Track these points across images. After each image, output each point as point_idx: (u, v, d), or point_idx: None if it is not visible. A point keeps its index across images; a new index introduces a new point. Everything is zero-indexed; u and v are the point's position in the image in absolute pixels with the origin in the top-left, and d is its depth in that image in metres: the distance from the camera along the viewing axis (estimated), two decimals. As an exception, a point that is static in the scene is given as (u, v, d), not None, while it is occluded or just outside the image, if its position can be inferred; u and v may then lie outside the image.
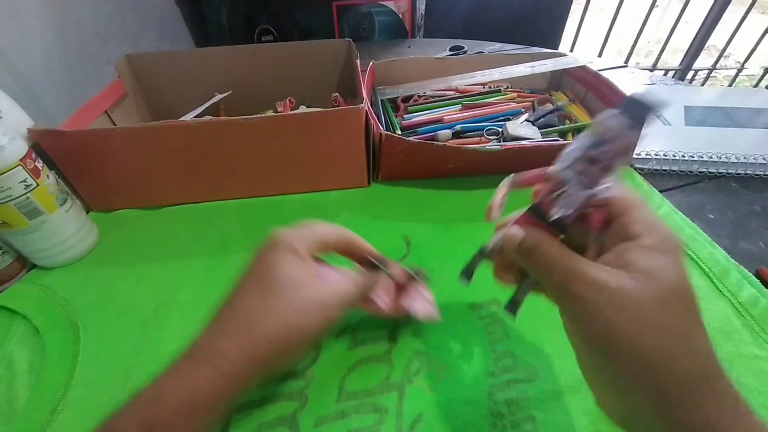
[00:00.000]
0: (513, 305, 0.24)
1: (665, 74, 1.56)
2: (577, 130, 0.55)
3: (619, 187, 0.20)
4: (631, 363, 0.17)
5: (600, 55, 1.56)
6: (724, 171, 0.51)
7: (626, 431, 0.20)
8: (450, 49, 0.83)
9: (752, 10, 1.40)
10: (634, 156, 0.52)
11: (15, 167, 0.34)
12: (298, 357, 0.26)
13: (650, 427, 0.18)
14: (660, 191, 0.47)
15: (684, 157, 0.52)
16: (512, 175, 0.26)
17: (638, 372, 0.17)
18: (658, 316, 0.17)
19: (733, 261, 0.38)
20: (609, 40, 1.52)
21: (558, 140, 0.51)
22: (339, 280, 0.26)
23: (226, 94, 0.59)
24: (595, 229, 0.21)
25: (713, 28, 1.43)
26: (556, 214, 0.20)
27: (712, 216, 0.46)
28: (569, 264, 0.19)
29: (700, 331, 0.18)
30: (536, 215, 0.22)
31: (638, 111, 0.19)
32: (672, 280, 0.18)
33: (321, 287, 0.24)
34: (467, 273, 0.26)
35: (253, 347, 0.22)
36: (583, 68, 0.60)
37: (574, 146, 0.20)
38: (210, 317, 0.24)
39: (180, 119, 0.46)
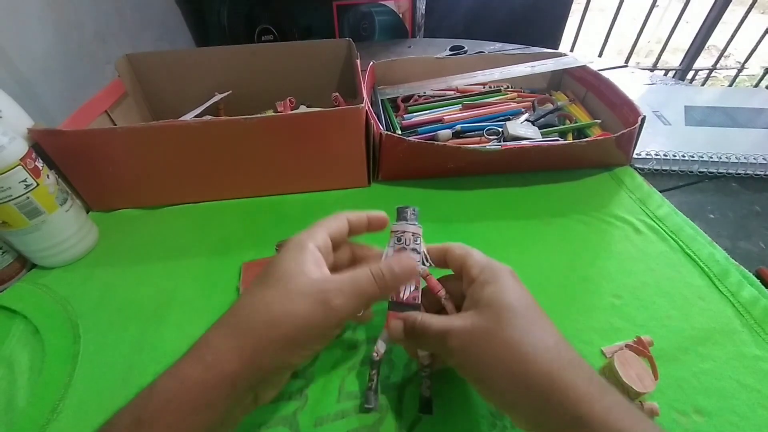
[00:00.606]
0: (425, 406, 0.28)
1: (665, 74, 1.56)
2: (578, 130, 0.55)
3: (455, 246, 0.28)
4: (504, 380, 0.21)
5: (600, 55, 1.56)
6: (724, 171, 0.51)
7: None
8: (450, 49, 0.83)
9: (752, 10, 1.40)
10: (635, 156, 0.52)
11: (15, 167, 0.34)
12: (302, 351, 0.23)
13: (548, 425, 0.21)
14: (660, 191, 0.47)
15: (684, 157, 0.52)
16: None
17: (513, 384, 0.21)
18: (506, 337, 0.22)
19: (733, 261, 0.38)
20: (609, 40, 1.52)
21: (558, 140, 0.51)
22: (353, 271, 0.25)
23: (226, 94, 0.59)
24: (437, 293, 0.27)
25: (713, 28, 1.43)
26: (402, 295, 0.27)
27: (712, 216, 0.46)
28: (439, 326, 0.24)
29: (545, 329, 0.23)
30: (396, 308, 0.27)
31: (403, 213, 0.30)
32: (506, 298, 0.23)
33: (318, 275, 0.24)
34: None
35: (241, 338, 0.21)
36: (584, 68, 0.60)
37: (387, 250, 0.29)
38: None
39: (180, 119, 0.46)
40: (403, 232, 0.29)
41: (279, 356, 0.22)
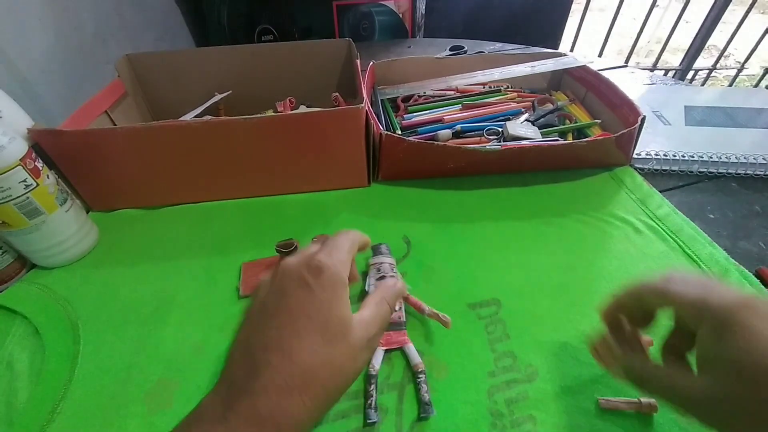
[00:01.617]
0: (425, 407, 0.28)
1: (665, 74, 1.56)
2: (578, 130, 0.55)
3: (646, 285, 0.23)
4: None
5: (600, 55, 1.56)
6: (724, 171, 0.51)
7: None
8: (450, 49, 0.83)
9: (752, 10, 1.40)
10: (635, 156, 0.52)
11: (15, 167, 0.34)
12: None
13: None
14: (660, 191, 0.47)
15: (684, 157, 0.52)
16: None
17: None
18: (735, 408, 0.17)
19: (733, 261, 0.38)
20: (609, 40, 1.52)
21: (558, 140, 0.51)
22: (375, 307, 0.23)
23: (226, 94, 0.59)
24: (420, 310, 0.33)
25: (713, 28, 1.43)
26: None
27: (712, 216, 0.46)
28: (677, 387, 0.20)
29: None
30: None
31: (378, 248, 0.37)
32: (752, 356, 0.17)
33: (364, 321, 0.22)
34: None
35: (320, 405, 0.19)
36: (584, 68, 0.60)
37: (369, 280, 0.35)
38: (250, 359, 0.20)
39: (180, 119, 0.46)
40: (381, 263, 0.35)
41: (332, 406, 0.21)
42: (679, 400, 0.19)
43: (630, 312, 0.25)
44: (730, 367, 0.17)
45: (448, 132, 0.53)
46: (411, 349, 0.31)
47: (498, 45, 0.88)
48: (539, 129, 0.53)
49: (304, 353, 0.19)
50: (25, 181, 0.35)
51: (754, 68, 1.60)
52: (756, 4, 1.40)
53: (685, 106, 0.63)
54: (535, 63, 0.62)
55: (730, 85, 1.65)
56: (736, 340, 0.17)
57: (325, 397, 0.19)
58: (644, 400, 0.27)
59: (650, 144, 0.54)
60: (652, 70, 1.53)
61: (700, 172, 0.52)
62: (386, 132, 0.45)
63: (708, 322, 0.19)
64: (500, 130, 0.52)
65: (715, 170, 0.51)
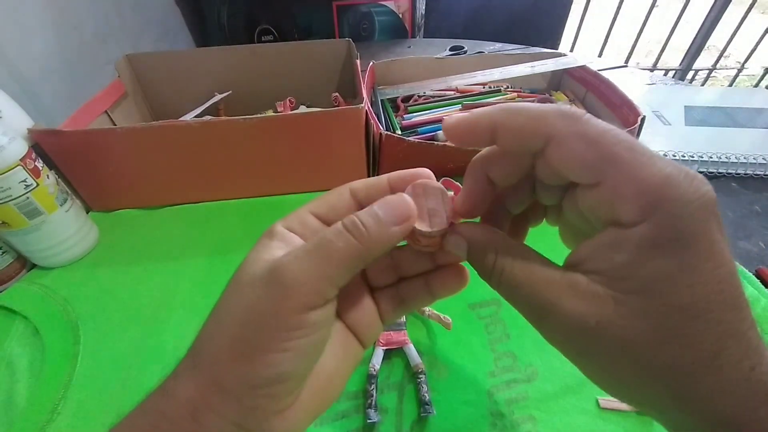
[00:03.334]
0: (425, 407, 0.27)
1: (665, 74, 1.56)
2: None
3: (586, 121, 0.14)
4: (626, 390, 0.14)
5: (600, 55, 1.56)
6: (724, 171, 0.51)
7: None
8: (450, 49, 0.83)
9: (752, 10, 1.40)
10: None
11: (15, 167, 0.34)
12: (265, 356, 0.15)
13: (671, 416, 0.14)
14: (660, 191, 0.47)
15: (684, 157, 0.52)
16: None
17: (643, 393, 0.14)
18: (652, 357, 0.13)
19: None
20: (609, 40, 1.52)
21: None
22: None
23: (226, 94, 0.59)
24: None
25: (713, 28, 1.43)
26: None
27: (712, 216, 0.46)
28: (538, 291, 0.15)
29: (730, 347, 0.12)
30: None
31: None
32: (680, 295, 0.12)
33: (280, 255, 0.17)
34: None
35: (193, 357, 0.17)
36: (583, 68, 0.60)
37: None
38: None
39: (180, 119, 0.46)
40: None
41: (236, 369, 0.15)
42: (554, 315, 0.14)
43: (502, 164, 0.17)
44: (679, 296, 0.12)
45: (448, 132, 0.53)
46: (411, 349, 0.31)
47: (498, 45, 0.88)
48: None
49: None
50: (25, 181, 0.35)
51: (754, 68, 1.59)
52: (756, 4, 1.40)
53: (685, 106, 0.63)
54: (535, 63, 0.62)
55: (730, 85, 1.65)
56: (699, 262, 0.12)
57: (207, 353, 0.16)
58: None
59: (650, 144, 0.54)
60: (652, 70, 1.53)
61: (699, 172, 0.51)
62: (386, 132, 0.45)
63: (657, 223, 0.12)
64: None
65: (715, 170, 0.51)
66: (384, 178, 0.20)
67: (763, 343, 0.13)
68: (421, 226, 0.17)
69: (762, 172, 0.51)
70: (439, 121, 0.56)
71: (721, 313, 0.12)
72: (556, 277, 0.15)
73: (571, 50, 1.53)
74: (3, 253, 0.38)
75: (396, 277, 0.20)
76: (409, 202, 0.17)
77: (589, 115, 0.15)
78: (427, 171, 0.19)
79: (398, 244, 0.18)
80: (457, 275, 0.20)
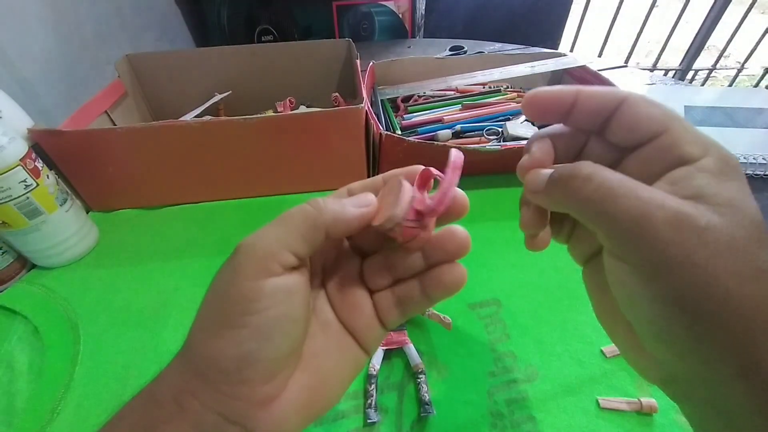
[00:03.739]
0: (425, 407, 0.27)
1: (665, 74, 1.56)
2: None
3: (642, 99, 0.17)
4: (725, 318, 0.13)
5: (600, 55, 1.56)
6: (724, 171, 0.51)
7: (675, 392, 0.17)
8: (450, 49, 0.83)
9: (752, 10, 1.40)
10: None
11: (15, 167, 0.34)
12: (231, 332, 0.15)
13: (719, 390, 0.14)
14: (660, 191, 0.47)
15: (684, 157, 0.52)
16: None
17: (732, 328, 0.13)
18: (754, 258, 0.14)
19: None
20: (609, 40, 1.52)
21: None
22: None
23: (226, 94, 0.59)
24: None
25: (713, 28, 1.43)
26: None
27: (712, 216, 0.46)
28: (636, 194, 0.14)
29: None
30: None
31: None
32: (752, 211, 0.14)
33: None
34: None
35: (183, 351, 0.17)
36: (583, 68, 0.60)
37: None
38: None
39: (180, 119, 0.46)
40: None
41: (206, 350, 0.15)
42: (660, 223, 0.14)
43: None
44: (750, 210, 0.14)
45: (448, 132, 0.53)
46: (411, 349, 0.31)
47: (498, 45, 0.88)
48: (539, 129, 0.53)
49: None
50: (25, 181, 0.35)
51: (754, 68, 1.59)
52: (756, 4, 1.40)
53: (685, 106, 0.63)
54: (535, 63, 0.62)
55: (730, 85, 1.65)
56: (747, 190, 0.15)
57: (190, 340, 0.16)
58: (644, 400, 0.27)
59: (650, 144, 0.54)
60: (652, 70, 1.53)
61: (700, 172, 0.52)
62: (386, 132, 0.45)
63: (717, 157, 0.15)
64: (500, 130, 0.52)
65: (715, 170, 0.51)
66: (380, 177, 0.21)
67: None
68: (378, 220, 0.18)
69: (762, 172, 0.51)
70: (439, 121, 0.56)
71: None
72: (653, 189, 0.15)
73: (571, 50, 1.53)
74: (3, 253, 0.38)
75: (391, 278, 0.20)
76: (369, 195, 0.19)
77: None
78: (419, 167, 0.20)
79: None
80: (450, 273, 0.19)
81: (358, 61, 0.54)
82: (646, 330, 0.16)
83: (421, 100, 0.63)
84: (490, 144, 0.50)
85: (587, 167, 0.16)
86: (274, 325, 0.16)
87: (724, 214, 0.14)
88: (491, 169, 0.50)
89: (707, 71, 1.63)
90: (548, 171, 0.18)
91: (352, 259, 0.21)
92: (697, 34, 1.48)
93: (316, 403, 0.18)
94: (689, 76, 1.59)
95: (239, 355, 0.15)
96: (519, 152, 0.47)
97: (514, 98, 0.61)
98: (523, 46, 0.87)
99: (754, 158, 0.51)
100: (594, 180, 0.15)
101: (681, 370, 0.16)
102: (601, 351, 0.31)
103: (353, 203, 0.18)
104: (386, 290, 0.20)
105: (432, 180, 0.20)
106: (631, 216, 0.14)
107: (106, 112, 0.50)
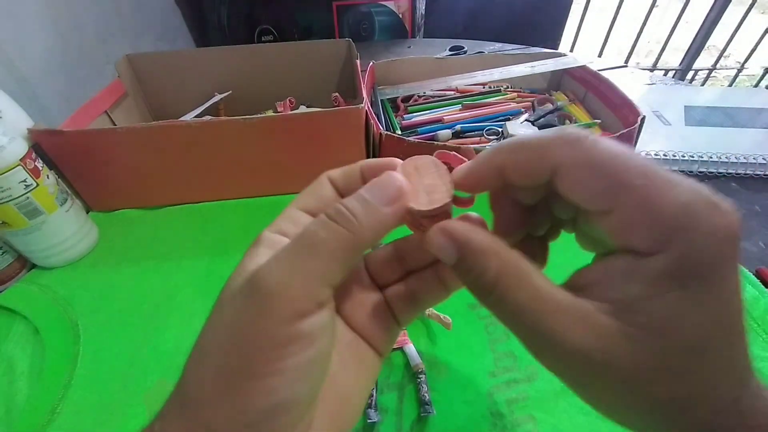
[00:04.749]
0: (425, 407, 0.27)
1: (665, 74, 1.56)
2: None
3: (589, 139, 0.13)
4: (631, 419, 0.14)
5: (600, 55, 1.56)
6: (724, 171, 0.51)
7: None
8: (450, 49, 0.83)
9: (752, 10, 1.40)
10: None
11: (15, 167, 0.34)
12: (257, 383, 0.13)
13: None
14: (660, 191, 0.47)
15: (684, 157, 0.52)
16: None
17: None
18: (656, 390, 0.12)
19: (733, 261, 0.38)
20: (609, 40, 1.52)
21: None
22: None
23: (226, 94, 0.59)
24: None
25: (713, 28, 1.43)
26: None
27: (712, 216, 0.46)
28: (542, 321, 0.13)
29: (727, 376, 0.12)
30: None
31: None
32: (691, 332, 0.12)
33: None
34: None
35: (178, 395, 0.15)
36: (583, 68, 0.60)
37: None
38: None
39: (180, 119, 0.46)
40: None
41: (225, 406, 0.13)
42: (559, 347, 0.13)
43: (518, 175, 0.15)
44: (688, 335, 0.12)
45: (448, 132, 0.53)
46: (411, 349, 0.31)
47: (498, 45, 0.88)
48: (539, 129, 0.53)
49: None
50: (25, 181, 0.35)
51: (754, 68, 1.59)
52: (756, 4, 1.40)
53: (685, 106, 0.63)
54: (535, 63, 0.62)
55: (730, 85, 1.65)
56: (712, 300, 0.12)
57: (188, 385, 0.15)
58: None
59: (650, 144, 0.54)
60: (652, 70, 1.53)
61: (700, 172, 0.52)
62: (386, 132, 0.45)
63: (675, 256, 0.12)
64: (500, 130, 0.52)
65: (715, 170, 0.51)
66: (357, 166, 0.18)
67: (751, 369, 0.13)
68: (419, 206, 0.15)
69: (762, 172, 0.51)
70: (439, 121, 0.56)
71: (720, 350, 0.12)
72: (564, 304, 0.13)
73: (571, 50, 1.53)
74: (3, 253, 0.38)
75: (403, 271, 0.18)
76: (398, 178, 0.15)
77: (595, 137, 0.13)
78: (397, 160, 0.17)
79: (396, 233, 0.17)
80: None
81: (358, 61, 0.54)
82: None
83: (421, 100, 0.63)
84: (490, 144, 0.50)
85: (492, 265, 0.13)
86: (310, 366, 0.14)
87: (636, 340, 0.12)
88: (491, 169, 0.50)
89: (707, 71, 1.63)
90: (452, 252, 0.14)
91: None
92: (697, 34, 1.48)
93: (343, 426, 0.16)
94: (689, 76, 1.59)
95: (270, 406, 0.13)
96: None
97: (514, 98, 0.61)
98: (523, 46, 0.87)
99: (754, 158, 0.51)
100: (501, 291, 0.14)
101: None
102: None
103: (381, 200, 0.15)
104: (398, 284, 0.18)
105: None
106: (535, 340, 0.14)
107: (106, 112, 0.50)
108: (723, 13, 1.39)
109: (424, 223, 0.16)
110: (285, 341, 0.13)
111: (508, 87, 0.65)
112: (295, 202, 0.18)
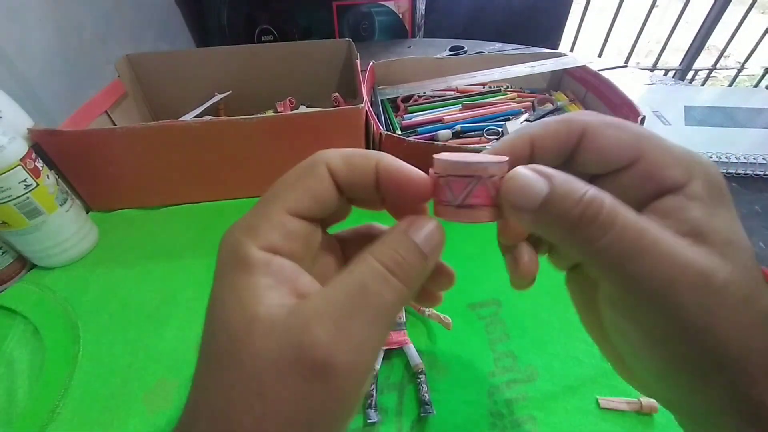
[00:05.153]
0: (425, 407, 0.27)
1: (665, 74, 1.56)
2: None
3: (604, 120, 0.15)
4: (735, 372, 0.12)
5: (600, 55, 1.56)
6: (724, 171, 0.51)
7: (664, 404, 0.16)
8: (450, 49, 0.83)
9: (752, 10, 1.40)
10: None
11: (15, 167, 0.34)
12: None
13: (717, 420, 0.13)
14: (660, 191, 0.47)
15: (684, 157, 0.52)
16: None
17: (740, 380, 0.12)
18: (759, 305, 0.12)
19: (733, 261, 0.38)
20: (609, 40, 1.52)
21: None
22: (344, 273, 0.14)
23: (226, 94, 0.59)
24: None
25: (713, 28, 1.43)
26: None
27: (712, 216, 0.46)
28: (660, 250, 0.12)
29: None
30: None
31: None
32: (746, 244, 0.13)
33: (281, 308, 0.13)
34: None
35: None
36: (583, 68, 0.60)
37: None
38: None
39: (180, 119, 0.46)
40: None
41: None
42: (680, 280, 0.12)
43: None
44: (746, 243, 0.13)
45: (448, 132, 0.53)
46: (411, 349, 0.31)
47: (498, 45, 0.88)
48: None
49: (196, 410, 0.14)
50: (25, 181, 0.35)
51: (754, 68, 1.59)
52: (756, 4, 1.40)
53: (685, 106, 0.63)
54: (535, 63, 0.62)
55: (730, 85, 1.65)
56: (733, 215, 0.14)
57: None
58: (644, 400, 0.27)
59: (650, 144, 0.54)
60: (652, 70, 1.53)
61: (700, 172, 0.52)
62: (386, 132, 0.45)
63: (703, 180, 0.14)
64: (500, 130, 0.52)
65: (715, 170, 0.51)
66: (370, 160, 0.16)
67: None
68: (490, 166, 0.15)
69: (762, 172, 0.51)
70: (439, 121, 0.56)
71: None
72: (673, 239, 0.13)
73: (571, 50, 1.53)
74: (3, 253, 0.38)
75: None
76: (441, 231, 0.15)
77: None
78: (419, 171, 0.18)
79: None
80: (444, 270, 0.18)
81: (358, 61, 0.54)
82: (641, 371, 0.15)
83: (421, 100, 0.63)
84: (490, 144, 0.50)
85: (605, 203, 0.12)
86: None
87: (730, 258, 0.13)
88: (491, 169, 0.50)
89: (707, 71, 1.63)
90: (543, 183, 0.13)
91: (332, 249, 0.18)
92: (697, 34, 1.48)
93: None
94: (689, 76, 1.59)
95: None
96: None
97: (514, 98, 0.61)
98: (523, 46, 0.87)
99: (754, 158, 0.51)
100: (615, 226, 0.12)
101: (673, 401, 0.15)
102: (601, 351, 0.31)
103: (430, 250, 0.14)
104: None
105: None
106: (655, 282, 0.12)
107: (106, 112, 0.50)
108: (723, 13, 1.39)
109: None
110: (350, 415, 0.13)
111: (508, 87, 0.65)
112: (281, 199, 0.15)
